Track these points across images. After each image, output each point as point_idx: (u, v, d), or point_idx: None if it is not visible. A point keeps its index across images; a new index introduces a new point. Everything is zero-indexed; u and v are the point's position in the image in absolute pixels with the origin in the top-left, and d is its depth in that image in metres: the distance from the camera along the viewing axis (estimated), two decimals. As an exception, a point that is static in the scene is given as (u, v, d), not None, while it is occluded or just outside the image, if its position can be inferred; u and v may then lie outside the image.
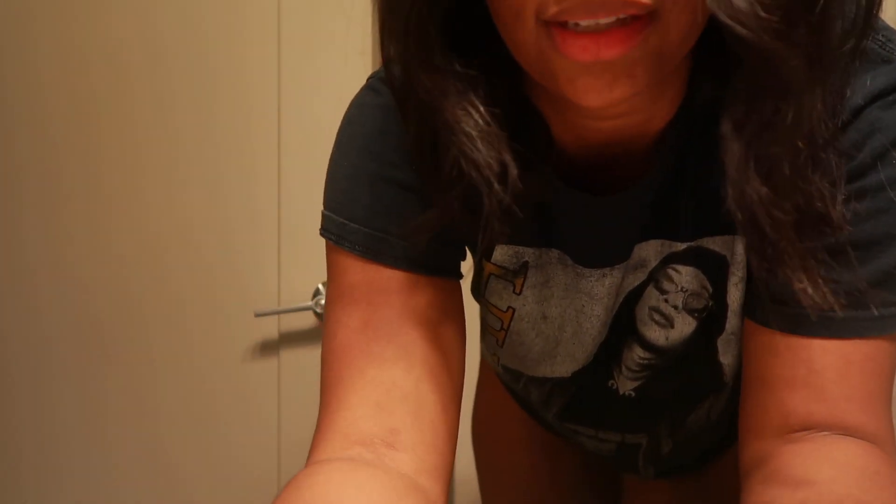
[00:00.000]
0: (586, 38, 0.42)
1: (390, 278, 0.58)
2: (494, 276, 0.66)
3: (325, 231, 0.61)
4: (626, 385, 0.68)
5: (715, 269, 0.58)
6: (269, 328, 1.35)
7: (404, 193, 0.57)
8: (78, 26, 1.33)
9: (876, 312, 0.50)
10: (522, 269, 0.64)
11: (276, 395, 1.35)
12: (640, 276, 0.60)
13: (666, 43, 0.44)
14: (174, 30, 1.33)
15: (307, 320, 1.33)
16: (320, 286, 1.27)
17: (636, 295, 0.62)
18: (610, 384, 0.68)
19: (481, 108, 0.48)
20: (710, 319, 0.60)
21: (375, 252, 0.58)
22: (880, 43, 0.49)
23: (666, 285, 0.60)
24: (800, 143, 0.44)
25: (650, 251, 0.59)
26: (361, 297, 0.58)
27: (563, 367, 0.68)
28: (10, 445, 1.42)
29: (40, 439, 1.41)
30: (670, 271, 0.59)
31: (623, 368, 0.66)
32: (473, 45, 0.50)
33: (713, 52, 0.48)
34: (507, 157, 0.48)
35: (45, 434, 1.41)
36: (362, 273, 0.58)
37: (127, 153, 1.36)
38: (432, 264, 0.58)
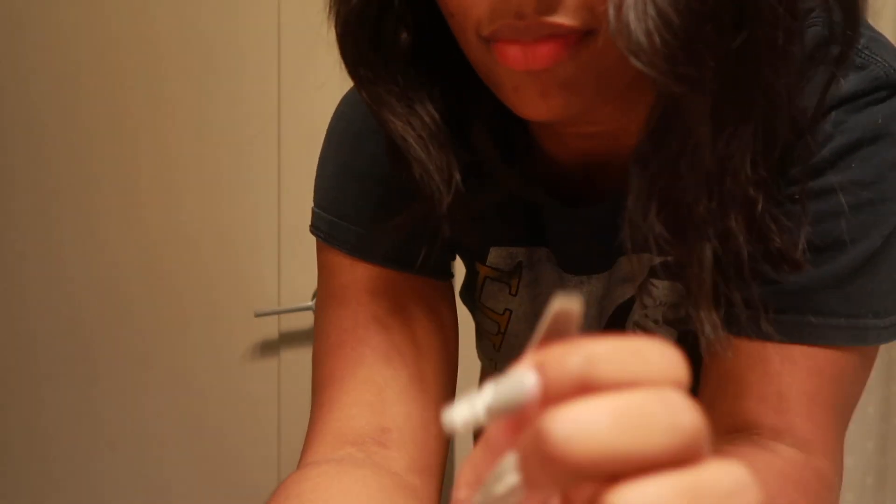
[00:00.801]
0: (517, 47, 0.42)
1: (380, 278, 0.58)
2: (490, 279, 0.66)
3: (315, 228, 0.62)
4: None
5: (681, 275, 0.57)
6: (269, 328, 1.35)
7: (393, 191, 0.56)
8: (72, 26, 1.33)
9: (814, 320, 0.50)
10: (517, 270, 0.65)
11: (276, 395, 1.35)
12: (629, 291, 0.61)
13: (603, 59, 0.43)
14: (174, 30, 1.32)
15: (307, 320, 1.33)
16: (320, 286, 1.27)
17: (625, 310, 0.62)
18: None
19: (426, 116, 0.49)
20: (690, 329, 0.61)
21: (364, 251, 0.58)
22: (857, 49, 0.49)
23: (646, 300, 0.61)
24: (716, 182, 0.43)
25: (636, 265, 0.59)
26: (352, 296, 0.59)
27: None
28: (5, 448, 1.42)
29: (35, 440, 1.41)
30: (650, 286, 0.60)
31: None
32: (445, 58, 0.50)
33: None
34: (452, 161, 0.49)
35: (42, 434, 1.41)
36: (352, 272, 0.59)
37: (126, 153, 1.35)
38: (422, 264, 0.58)
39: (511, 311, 0.67)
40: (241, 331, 1.35)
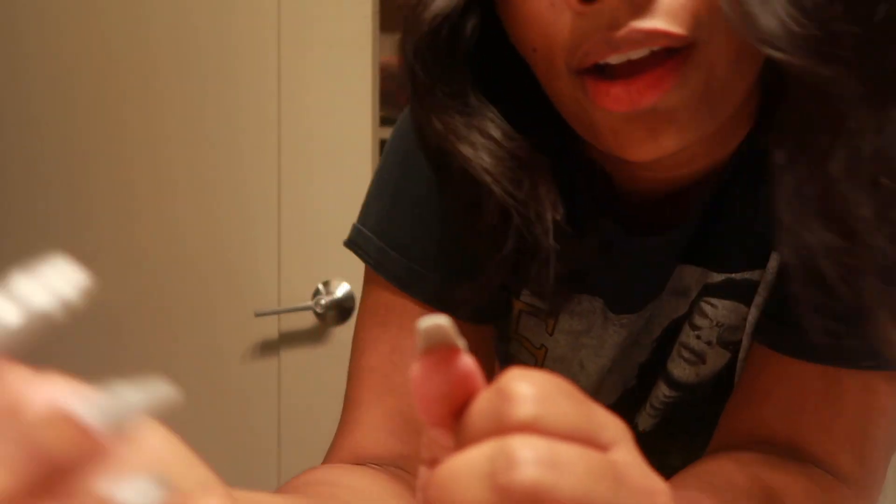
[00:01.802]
0: (619, 86, 0.39)
1: (423, 311, 0.55)
2: (525, 313, 0.63)
3: (359, 249, 0.59)
4: (646, 422, 0.65)
5: (748, 296, 0.53)
6: (269, 328, 1.35)
7: (447, 220, 0.53)
8: (67, 27, 1.33)
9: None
10: (553, 312, 0.60)
11: (276, 395, 1.35)
12: (683, 307, 0.57)
13: (712, 79, 0.39)
14: (172, 29, 1.32)
15: (307, 320, 1.33)
16: (320, 286, 1.27)
17: (678, 326, 0.58)
18: (634, 421, 0.65)
19: (502, 133, 0.45)
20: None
21: (411, 287, 0.56)
22: None
23: (698, 321, 0.56)
24: (875, 175, 0.38)
25: (691, 278, 0.55)
26: (394, 320, 0.57)
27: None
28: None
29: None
30: (705, 305, 0.55)
31: (647, 406, 0.63)
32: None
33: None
34: (553, 192, 0.45)
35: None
36: (396, 298, 0.57)
37: (125, 153, 1.35)
38: (469, 311, 0.55)
39: (547, 349, 0.63)
40: (241, 331, 1.35)
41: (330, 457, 0.55)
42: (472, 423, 0.25)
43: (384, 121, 1.39)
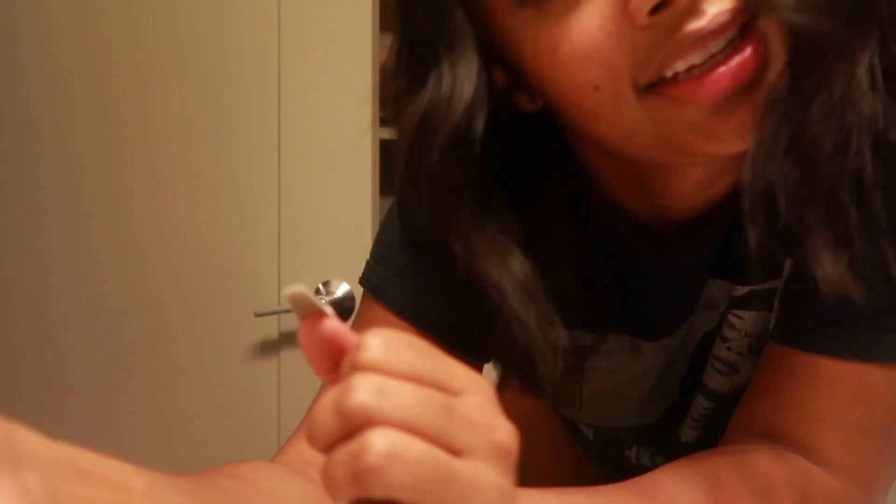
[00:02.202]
0: (711, 74, 0.39)
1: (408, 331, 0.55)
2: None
3: (365, 280, 0.59)
4: (688, 435, 0.65)
5: (772, 304, 0.54)
6: (269, 328, 1.35)
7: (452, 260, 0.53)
8: (67, 26, 1.33)
9: (878, 336, 0.46)
10: (581, 353, 0.60)
11: (276, 395, 1.35)
12: (713, 320, 0.57)
13: (773, 49, 0.41)
14: (172, 29, 1.32)
15: (307, 320, 1.33)
16: (320, 286, 1.27)
17: (710, 339, 0.58)
18: (677, 433, 0.65)
19: (521, 264, 0.46)
20: None
21: (407, 313, 0.56)
22: None
23: (727, 332, 0.56)
24: (844, 114, 0.40)
25: (718, 291, 0.55)
26: None
27: (639, 420, 0.66)
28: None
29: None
30: (732, 318, 0.56)
31: (689, 419, 0.64)
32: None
33: None
34: (551, 316, 0.47)
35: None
36: (384, 320, 0.56)
37: (124, 153, 1.35)
38: (459, 340, 0.54)
39: (581, 386, 0.63)
40: (241, 331, 1.35)
41: (276, 457, 0.55)
42: (342, 371, 0.30)
43: (384, 121, 1.39)
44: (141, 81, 1.33)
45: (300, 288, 0.31)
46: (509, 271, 0.46)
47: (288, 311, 1.33)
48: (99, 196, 1.36)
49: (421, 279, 0.55)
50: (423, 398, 0.29)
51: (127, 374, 1.38)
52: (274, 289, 1.35)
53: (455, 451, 0.29)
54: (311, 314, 0.32)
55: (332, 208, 1.25)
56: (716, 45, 0.39)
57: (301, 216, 1.33)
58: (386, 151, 1.23)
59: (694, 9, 0.38)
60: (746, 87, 0.40)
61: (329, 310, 0.32)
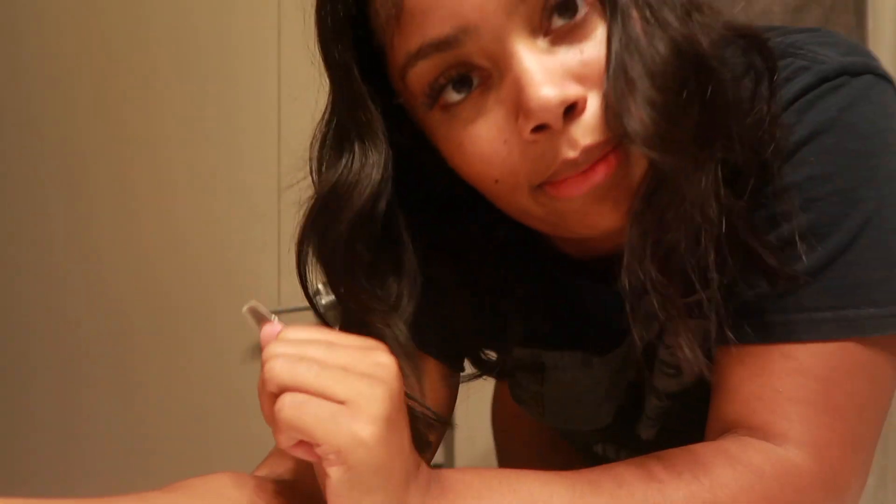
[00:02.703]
0: (577, 177, 0.48)
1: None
2: (518, 368, 0.70)
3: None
4: (647, 432, 0.69)
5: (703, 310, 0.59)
6: (269, 328, 1.35)
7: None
8: (67, 26, 1.33)
9: (795, 317, 0.50)
10: (540, 369, 0.68)
11: (276, 395, 1.35)
12: (654, 328, 0.61)
13: (640, 157, 0.48)
14: (173, 30, 1.33)
15: (307, 320, 1.33)
16: (320, 286, 1.27)
17: (654, 344, 0.62)
18: (636, 432, 0.70)
19: (402, 327, 0.55)
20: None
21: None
22: (799, 51, 0.52)
23: (669, 339, 0.60)
24: (695, 222, 0.47)
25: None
26: None
27: (596, 424, 0.71)
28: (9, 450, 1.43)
29: (30, 443, 1.41)
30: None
31: (644, 417, 0.68)
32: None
33: None
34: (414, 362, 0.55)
35: (37, 436, 1.41)
36: None
37: (125, 154, 1.36)
38: (434, 346, 0.60)
39: (543, 395, 0.70)
40: (241, 331, 1.35)
41: (257, 468, 0.56)
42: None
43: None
44: (141, 81, 1.33)
45: (253, 303, 0.46)
46: (392, 332, 0.54)
47: (288, 311, 1.33)
48: (99, 196, 1.36)
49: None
50: (308, 370, 0.42)
51: (127, 374, 1.38)
52: (274, 289, 1.35)
53: (338, 401, 0.41)
54: (266, 322, 0.45)
55: (332, 208, 1.25)
56: (587, 164, 0.48)
57: (301, 216, 1.33)
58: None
59: (570, 139, 0.47)
60: (612, 184, 0.48)
61: (275, 318, 0.46)
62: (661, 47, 0.46)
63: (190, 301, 1.36)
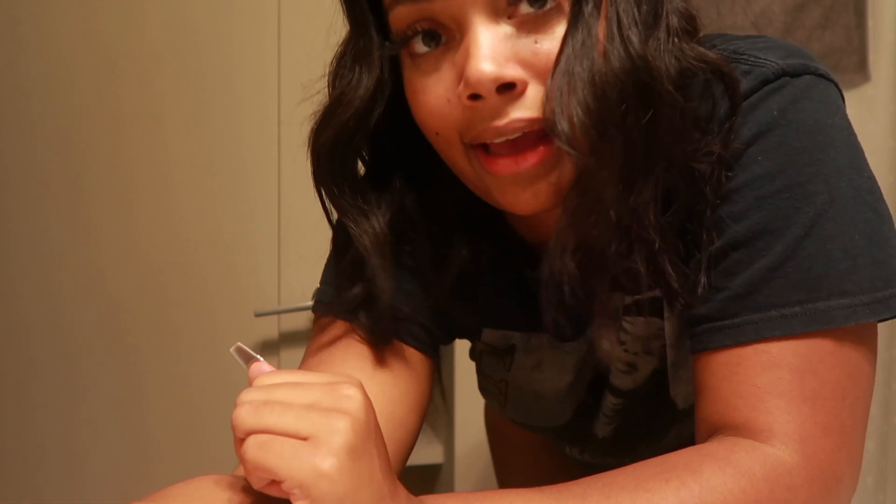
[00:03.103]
0: (506, 158, 0.52)
1: (342, 327, 0.62)
2: (486, 353, 0.72)
3: (316, 303, 0.66)
4: (603, 430, 0.72)
5: (658, 310, 0.61)
6: (269, 328, 1.35)
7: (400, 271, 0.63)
8: (66, 26, 1.33)
9: (761, 315, 0.51)
10: (510, 350, 0.70)
11: (276, 395, 1.35)
12: (615, 327, 0.64)
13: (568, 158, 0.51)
14: (173, 30, 1.33)
15: (307, 320, 1.33)
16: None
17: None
18: (593, 430, 0.72)
19: (375, 228, 0.59)
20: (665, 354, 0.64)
21: (356, 315, 0.62)
22: (740, 57, 0.54)
23: (623, 336, 0.64)
24: (617, 234, 0.51)
25: (617, 302, 0.62)
26: (322, 339, 0.63)
27: (555, 421, 0.73)
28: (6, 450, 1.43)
29: (29, 443, 1.41)
30: (624, 323, 0.63)
31: (601, 416, 0.71)
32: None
33: None
34: (386, 273, 0.59)
35: (37, 436, 1.41)
36: (332, 331, 0.63)
37: (124, 153, 1.35)
38: (406, 332, 0.62)
39: (507, 382, 0.72)
40: (241, 331, 1.35)
41: (238, 466, 0.57)
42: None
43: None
44: (141, 81, 1.33)
45: (239, 344, 0.51)
46: (368, 229, 0.59)
47: (288, 310, 1.33)
48: (99, 196, 1.36)
49: (363, 285, 0.62)
50: (272, 412, 0.44)
51: (127, 374, 1.38)
52: (274, 289, 1.35)
53: (301, 437, 0.42)
54: (253, 361, 0.49)
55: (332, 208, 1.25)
56: (513, 136, 0.51)
57: (301, 216, 1.33)
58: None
59: (500, 110, 0.50)
60: (537, 174, 0.52)
61: (261, 358, 0.49)
62: (614, 61, 0.49)
63: (190, 300, 1.36)
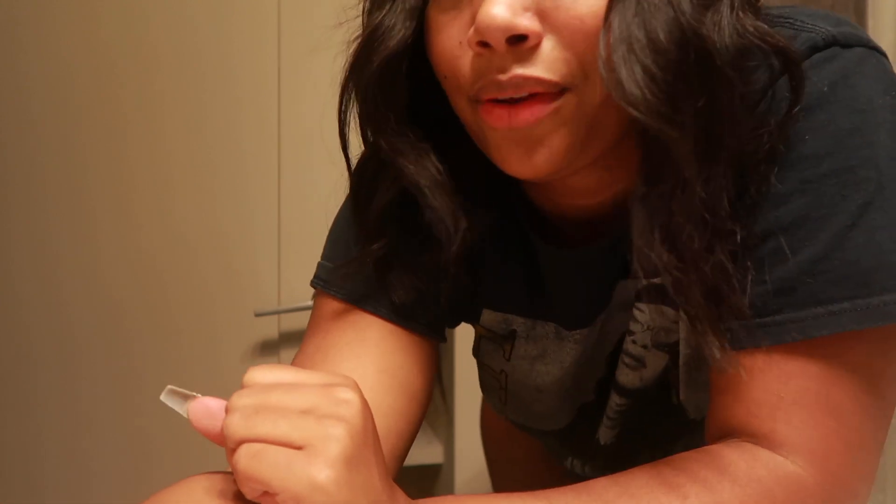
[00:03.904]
0: (501, 108, 0.48)
1: (351, 312, 0.60)
2: (485, 338, 0.69)
3: (315, 278, 0.64)
4: (606, 435, 0.68)
5: (665, 296, 0.57)
6: (269, 328, 1.35)
7: (394, 245, 0.60)
8: (66, 27, 1.33)
9: (813, 312, 0.47)
10: (510, 336, 0.66)
11: (276, 395, 1.35)
12: (628, 318, 0.60)
13: (581, 118, 0.48)
14: (173, 30, 1.33)
15: (307, 320, 1.33)
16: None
17: (624, 339, 0.62)
18: (596, 436, 0.69)
19: (435, 165, 0.55)
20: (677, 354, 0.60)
21: (333, 285, 0.60)
22: (786, 21, 0.50)
23: (633, 326, 0.60)
24: (703, 215, 0.46)
25: (631, 291, 0.59)
26: (322, 324, 0.61)
27: (557, 423, 0.70)
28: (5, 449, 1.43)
29: (29, 444, 1.41)
30: (635, 311, 0.59)
31: (605, 419, 0.67)
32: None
33: None
34: (457, 207, 0.55)
35: (37, 437, 1.41)
36: (333, 308, 0.61)
37: (124, 154, 1.35)
38: (411, 315, 0.59)
39: (507, 374, 0.68)
40: (241, 331, 1.35)
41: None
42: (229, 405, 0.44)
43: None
44: (141, 81, 1.33)
45: (169, 387, 0.47)
46: (425, 168, 0.55)
47: (288, 310, 1.33)
48: (99, 196, 1.36)
49: (369, 266, 0.59)
50: (265, 421, 0.41)
51: (127, 374, 1.38)
52: (274, 289, 1.35)
53: (296, 446, 0.40)
54: (191, 399, 0.45)
55: (332, 208, 1.25)
56: (518, 95, 0.48)
57: (301, 216, 1.33)
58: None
59: (505, 64, 0.47)
60: (531, 134, 0.49)
61: (197, 394, 0.46)
62: (666, 31, 0.45)
63: (190, 300, 1.36)
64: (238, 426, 0.41)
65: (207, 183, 1.34)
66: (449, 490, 1.44)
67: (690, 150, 0.45)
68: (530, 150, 0.49)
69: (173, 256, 1.36)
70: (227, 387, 1.38)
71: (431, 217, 0.55)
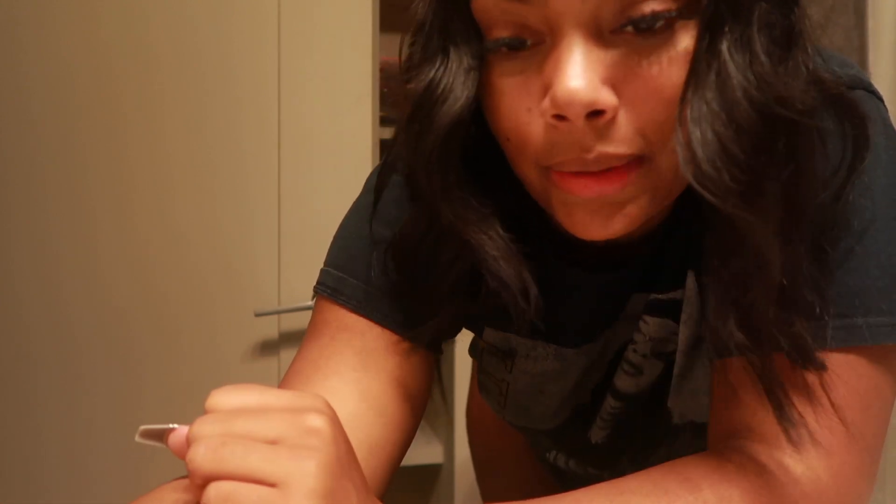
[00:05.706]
0: (588, 178, 0.47)
1: (359, 322, 0.60)
2: (487, 352, 0.70)
3: (320, 285, 0.63)
4: (598, 435, 0.70)
5: (674, 313, 0.59)
6: (269, 328, 1.35)
7: (413, 263, 0.59)
8: (67, 26, 1.33)
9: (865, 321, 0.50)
10: (511, 354, 0.67)
11: (276, 395, 1.35)
12: (633, 330, 0.62)
13: (658, 182, 0.48)
14: (173, 30, 1.33)
15: (307, 320, 1.33)
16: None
17: (626, 346, 0.64)
18: (588, 434, 0.71)
19: (501, 233, 0.53)
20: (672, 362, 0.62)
21: (368, 308, 0.60)
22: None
23: (636, 336, 0.62)
24: (773, 290, 0.46)
25: (639, 304, 0.61)
26: (327, 331, 0.60)
27: (552, 423, 0.71)
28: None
29: (29, 444, 1.41)
30: (640, 323, 0.61)
31: (598, 420, 0.69)
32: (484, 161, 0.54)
33: None
34: (527, 276, 0.53)
35: (37, 437, 1.41)
36: (338, 316, 0.61)
37: (124, 154, 1.35)
38: (418, 330, 0.59)
39: (508, 383, 0.69)
40: (241, 331, 1.35)
41: None
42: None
43: (384, 121, 1.39)
44: (141, 81, 1.33)
45: (142, 427, 0.44)
46: (493, 240, 0.52)
47: (288, 310, 1.33)
48: (99, 196, 1.36)
49: (381, 278, 0.59)
50: (233, 454, 0.38)
51: (127, 374, 1.38)
52: (274, 289, 1.35)
53: (269, 483, 0.38)
54: (167, 433, 0.43)
55: (332, 208, 1.24)
56: (598, 168, 0.47)
57: (301, 216, 1.33)
58: (386, 152, 1.23)
59: (588, 141, 0.46)
60: (614, 201, 0.48)
61: (175, 426, 0.43)
62: (750, 99, 0.43)
63: (190, 300, 1.36)
64: (204, 460, 0.38)
65: (207, 183, 1.34)
66: (449, 490, 1.44)
67: (772, 234, 0.45)
68: (610, 216, 0.48)
69: (173, 256, 1.35)
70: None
71: (498, 286, 0.53)
